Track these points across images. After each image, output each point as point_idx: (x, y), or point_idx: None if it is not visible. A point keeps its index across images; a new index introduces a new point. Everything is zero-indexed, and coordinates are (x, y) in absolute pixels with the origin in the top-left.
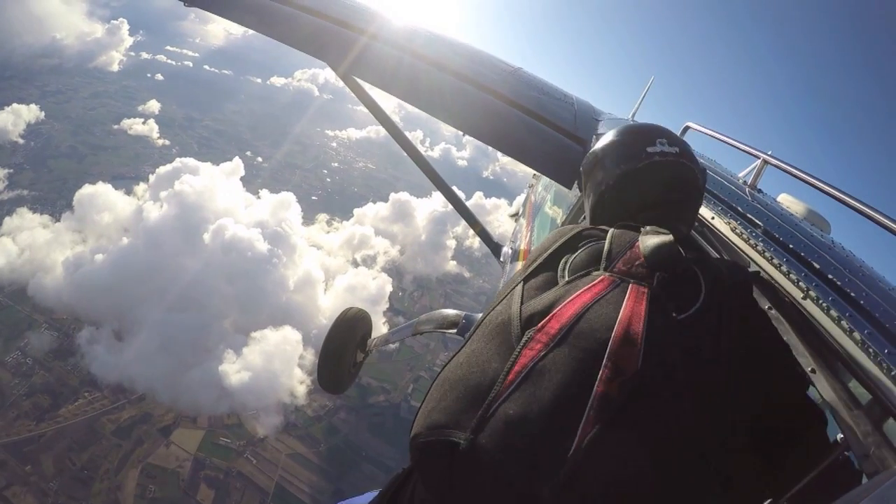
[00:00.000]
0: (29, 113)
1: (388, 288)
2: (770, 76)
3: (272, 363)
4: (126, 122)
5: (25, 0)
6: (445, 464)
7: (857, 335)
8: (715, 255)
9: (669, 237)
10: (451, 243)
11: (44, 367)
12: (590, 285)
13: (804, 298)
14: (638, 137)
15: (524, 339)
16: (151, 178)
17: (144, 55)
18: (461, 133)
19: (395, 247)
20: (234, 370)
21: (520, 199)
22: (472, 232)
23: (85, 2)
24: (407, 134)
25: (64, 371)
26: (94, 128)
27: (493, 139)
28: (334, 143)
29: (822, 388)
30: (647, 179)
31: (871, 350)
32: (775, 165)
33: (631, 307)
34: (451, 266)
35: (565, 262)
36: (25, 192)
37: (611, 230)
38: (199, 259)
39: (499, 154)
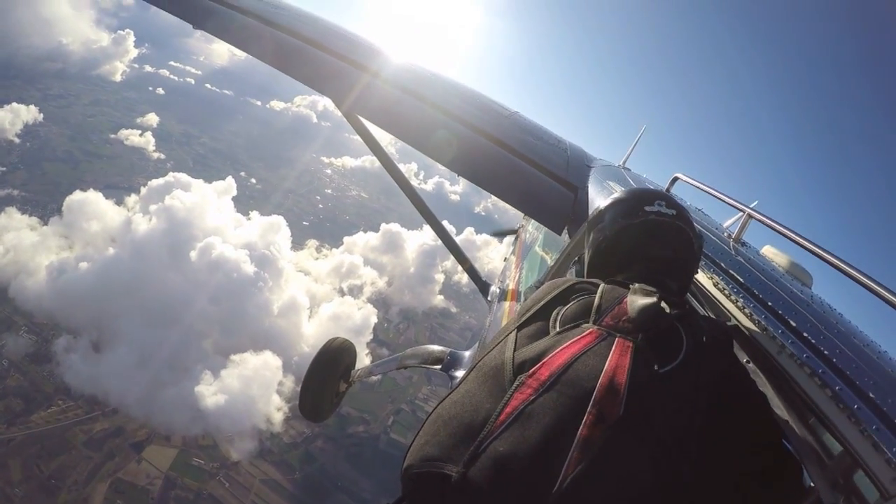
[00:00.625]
0: (28, 113)
1: (373, 319)
2: (761, 129)
3: (250, 388)
4: (123, 133)
5: (35, 2)
6: (437, 495)
7: (828, 391)
8: (700, 309)
9: (655, 298)
10: (440, 277)
11: (19, 370)
12: (579, 337)
13: (780, 353)
14: (639, 197)
15: (516, 383)
16: (143, 190)
17: (148, 68)
18: None
19: (383, 278)
20: (211, 392)
21: (510, 238)
22: (460, 267)
23: (94, 9)
24: (401, 166)
25: (40, 376)
26: (91, 135)
27: (486, 182)
28: (329, 170)
29: (796, 439)
30: (642, 235)
31: (841, 405)
32: (759, 220)
33: (616, 359)
34: (439, 300)
35: (557, 313)
36: (16, 191)
37: (601, 285)
38: (184, 276)
39: None
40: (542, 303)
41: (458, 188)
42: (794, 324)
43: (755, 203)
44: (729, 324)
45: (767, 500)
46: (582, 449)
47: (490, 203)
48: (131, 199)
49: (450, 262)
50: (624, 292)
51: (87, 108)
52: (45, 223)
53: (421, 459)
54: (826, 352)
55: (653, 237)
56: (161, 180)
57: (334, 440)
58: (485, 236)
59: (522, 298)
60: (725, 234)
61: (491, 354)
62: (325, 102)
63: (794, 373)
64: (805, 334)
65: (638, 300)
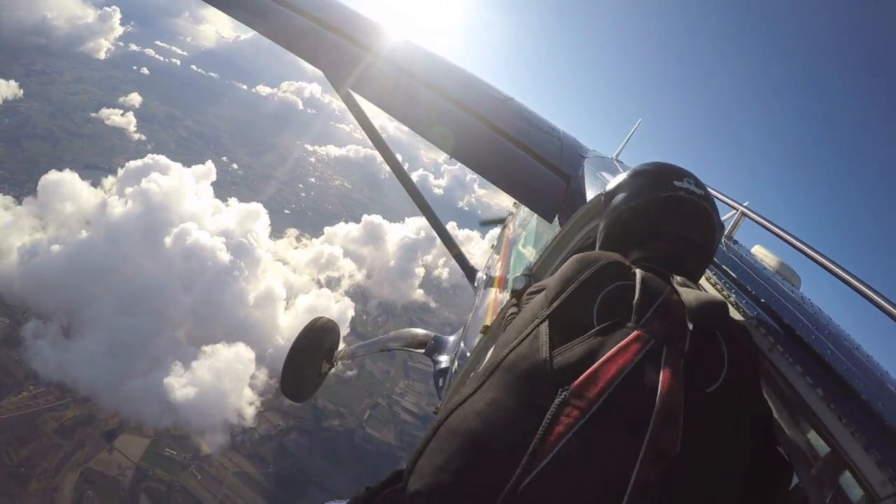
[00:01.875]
0: (7, 89)
1: (350, 313)
2: (755, 128)
3: (221, 381)
4: (105, 112)
5: None
6: None
7: (819, 390)
8: None
9: (720, 297)
10: (420, 271)
11: None
12: (625, 343)
13: (771, 351)
14: (667, 171)
15: (558, 399)
16: (120, 171)
17: (133, 47)
18: (439, 161)
19: (362, 270)
20: (181, 384)
21: (495, 232)
22: (441, 262)
23: None
24: None
25: (10, 361)
26: (72, 113)
27: (479, 166)
28: (313, 159)
29: (784, 438)
30: (668, 211)
31: (832, 406)
32: (752, 218)
33: (668, 380)
34: (418, 294)
35: (593, 302)
36: None
37: (638, 272)
38: (158, 263)
39: (475, 185)
40: (574, 286)
41: (441, 182)
42: (786, 321)
43: (747, 203)
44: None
45: (755, 500)
46: (639, 494)
47: (474, 198)
48: (108, 181)
49: (430, 256)
50: (665, 285)
51: (70, 86)
52: (20, 203)
53: (436, 488)
54: (818, 351)
55: (680, 215)
56: (139, 162)
57: (309, 434)
58: (467, 231)
59: (509, 286)
60: None
61: (519, 351)
62: (311, 89)
63: (785, 371)
64: (797, 333)
65: (693, 293)
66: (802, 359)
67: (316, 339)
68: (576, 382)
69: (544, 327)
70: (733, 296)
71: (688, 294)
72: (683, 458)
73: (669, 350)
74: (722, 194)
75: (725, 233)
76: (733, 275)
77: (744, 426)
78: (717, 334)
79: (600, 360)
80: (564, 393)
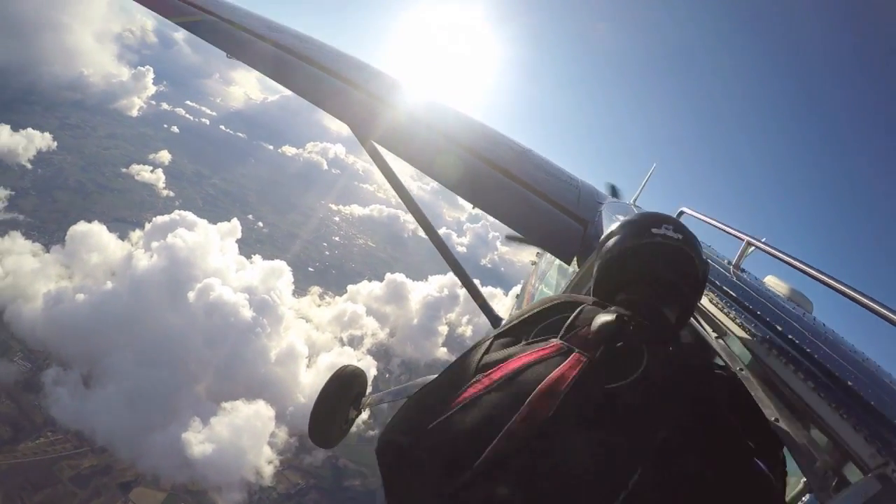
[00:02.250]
0: (42, 140)
1: (373, 371)
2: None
3: (240, 438)
4: (135, 168)
5: (60, 31)
6: (395, 461)
7: (810, 383)
8: (699, 327)
9: (614, 315)
10: (443, 329)
11: (11, 397)
12: (541, 348)
13: (767, 356)
14: (647, 220)
15: (473, 379)
16: (147, 226)
17: (165, 106)
18: (462, 219)
19: (385, 329)
20: (198, 440)
21: (516, 289)
22: (465, 320)
23: (116, 44)
24: (408, 215)
25: (29, 406)
26: (104, 167)
27: (500, 213)
28: (337, 218)
29: (786, 435)
30: (645, 257)
31: (822, 394)
32: (759, 247)
33: (564, 370)
34: (441, 353)
35: (533, 328)
36: (22, 216)
37: (582, 306)
38: (181, 317)
39: (498, 243)
40: (525, 316)
41: (464, 240)
42: (780, 328)
43: (763, 239)
44: (726, 337)
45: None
46: (505, 438)
47: (496, 256)
48: (136, 234)
49: (454, 314)
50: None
51: (103, 141)
52: (48, 250)
53: (388, 432)
54: (808, 350)
55: (656, 260)
56: (166, 217)
57: (329, 493)
58: (491, 288)
59: None
60: (726, 261)
61: (465, 355)
62: (335, 150)
63: (781, 371)
64: (790, 336)
65: (602, 316)
66: (795, 359)
67: (344, 385)
68: (490, 370)
69: (488, 341)
70: (733, 312)
71: (597, 318)
72: (559, 423)
73: (577, 354)
74: (728, 226)
75: (733, 262)
76: (733, 294)
77: (653, 420)
78: (644, 350)
79: (515, 357)
80: (479, 376)
